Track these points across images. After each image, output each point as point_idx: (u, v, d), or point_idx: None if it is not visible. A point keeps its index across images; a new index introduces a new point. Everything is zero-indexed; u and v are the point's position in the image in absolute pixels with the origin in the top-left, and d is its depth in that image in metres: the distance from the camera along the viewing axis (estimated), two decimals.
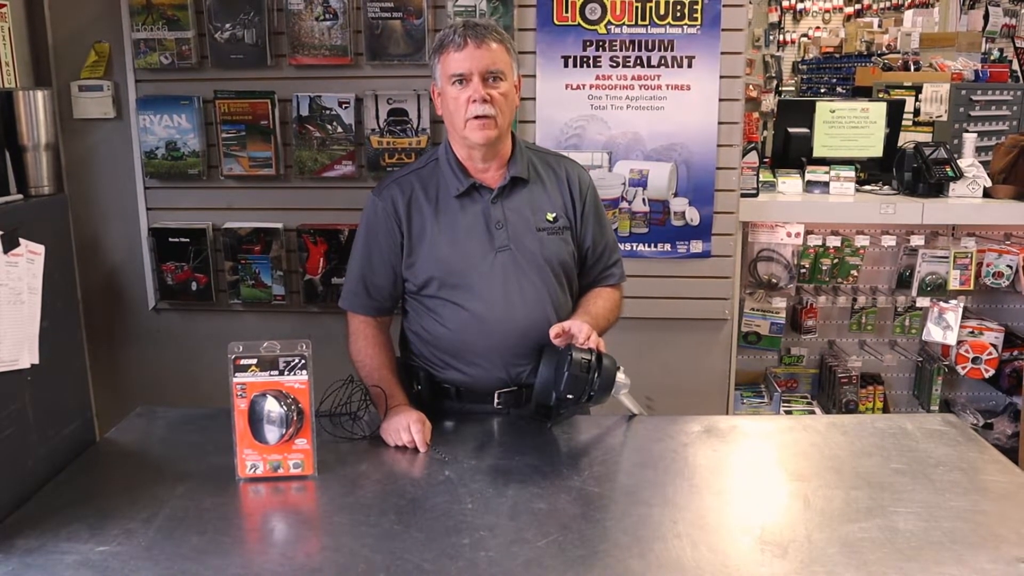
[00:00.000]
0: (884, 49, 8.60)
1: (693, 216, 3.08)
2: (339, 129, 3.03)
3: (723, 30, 2.96)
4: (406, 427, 1.85)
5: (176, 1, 2.96)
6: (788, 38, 12.04)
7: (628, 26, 2.97)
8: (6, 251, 1.60)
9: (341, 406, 1.94)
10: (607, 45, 2.99)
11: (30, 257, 1.66)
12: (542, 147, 2.22)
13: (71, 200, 2.81)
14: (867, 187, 3.50)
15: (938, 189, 3.32)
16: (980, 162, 3.39)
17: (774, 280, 3.34)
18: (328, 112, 3.02)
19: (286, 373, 1.69)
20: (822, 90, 9.50)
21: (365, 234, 2.05)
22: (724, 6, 2.94)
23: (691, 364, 3.19)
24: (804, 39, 11.84)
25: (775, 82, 10.82)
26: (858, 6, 11.38)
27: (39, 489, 1.68)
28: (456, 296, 1.99)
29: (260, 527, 1.62)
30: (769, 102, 8.44)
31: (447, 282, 1.99)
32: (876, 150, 3.59)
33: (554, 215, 2.04)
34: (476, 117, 1.90)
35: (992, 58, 6.93)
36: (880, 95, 5.50)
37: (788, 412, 3.35)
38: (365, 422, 1.94)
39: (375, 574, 1.39)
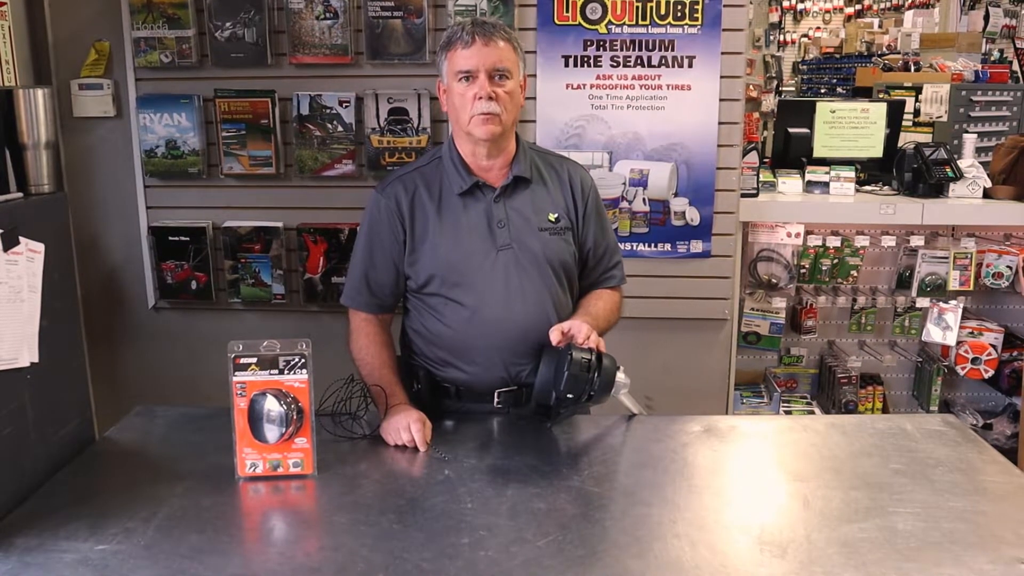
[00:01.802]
0: (884, 49, 8.60)
1: (693, 216, 3.08)
2: (339, 128, 3.03)
3: (724, 30, 2.95)
4: (406, 427, 1.85)
5: (176, 0, 2.97)
6: (788, 38, 12.03)
7: (629, 26, 2.97)
8: (6, 249, 1.60)
9: (341, 405, 1.94)
10: (608, 45, 2.99)
11: (30, 255, 1.66)
12: (545, 148, 2.23)
13: (71, 198, 2.81)
14: (867, 187, 3.50)
15: (938, 190, 3.32)
16: (980, 163, 3.39)
17: (774, 280, 3.34)
18: (328, 111, 3.02)
19: (286, 372, 1.69)
20: (822, 90, 9.51)
21: (368, 231, 2.05)
22: (725, 6, 2.94)
23: (691, 364, 3.19)
24: (804, 39, 11.84)
25: (775, 82, 10.81)
26: (858, 6, 11.37)
27: (38, 488, 1.68)
28: (457, 294, 1.99)
29: (259, 526, 1.62)
30: (769, 102, 8.43)
31: (448, 280, 1.99)
32: (876, 150, 3.59)
33: (556, 215, 2.04)
34: (481, 113, 1.91)
35: (992, 59, 6.93)
36: (880, 95, 5.50)
37: (788, 412, 3.36)
38: (365, 421, 1.93)
39: (374, 573, 1.39)
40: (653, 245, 3.11)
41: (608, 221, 2.17)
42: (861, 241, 3.29)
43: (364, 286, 2.06)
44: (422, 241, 2.00)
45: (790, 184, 3.42)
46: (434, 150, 2.12)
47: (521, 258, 1.99)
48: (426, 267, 2.00)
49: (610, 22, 2.97)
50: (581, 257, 2.11)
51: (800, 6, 12.12)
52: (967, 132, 4.12)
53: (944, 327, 3.29)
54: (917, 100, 5.20)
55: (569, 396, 1.81)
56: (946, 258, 3.26)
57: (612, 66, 3.00)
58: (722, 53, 2.97)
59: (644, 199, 3.07)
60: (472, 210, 2.00)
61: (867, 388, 3.43)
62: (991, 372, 3.32)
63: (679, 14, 2.95)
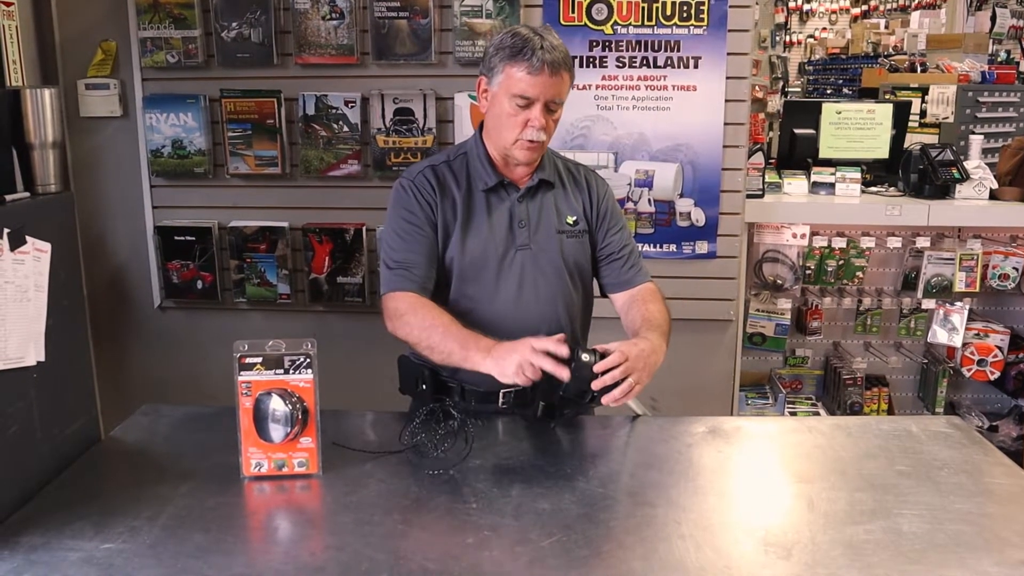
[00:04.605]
0: (890, 50, 8.58)
1: (699, 217, 3.07)
2: (345, 128, 3.03)
3: (729, 31, 2.95)
4: (527, 363, 1.75)
5: (183, 0, 2.97)
6: (794, 39, 12.02)
7: (634, 26, 2.97)
8: (13, 249, 1.60)
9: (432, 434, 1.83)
10: (613, 45, 2.99)
11: (36, 255, 1.67)
12: (563, 155, 2.23)
13: (77, 198, 2.80)
14: (873, 188, 3.49)
15: (944, 191, 3.31)
16: (986, 164, 3.39)
17: (779, 281, 3.34)
18: (334, 111, 3.02)
19: (291, 372, 1.69)
20: (828, 91, 9.51)
21: (401, 214, 1.99)
22: (730, 7, 2.94)
23: (696, 365, 3.19)
24: (810, 40, 11.82)
25: (781, 83, 10.80)
26: (864, 7, 11.36)
27: (44, 487, 1.68)
28: (470, 290, 2.00)
29: (264, 526, 1.62)
30: (775, 103, 8.42)
31: (464, 274, 1.99)
32: (882, 151, 3.58)
33: (574, 218, 2.06)
34: (529, 140, 1.91)
35: (999, 60, 6.91)
36: (886, 96, 5.50)
37: (793, 413, 3.35)
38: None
39: (378, 573, 1.39)
40: (658, 246, 3.11)
41: (627, 225, 2.17)
42: (867, 242, 3.28)
43: (404, 269, 1.97)
44: (446, 231, 2.00)
45: (796, 185, 3.42)
46: (458, 146, 2.11)
47: (539, 259, 2.01)
48: (446, 258, 1.99)
49: (616, 23, 2.97)
50: (596, 257, 2.12)
51: (806, 7, 12.10)
52: (973, 133, 4.12)
53: (950, 329, 3.28)
54: (923, 101, 5.20)
55: (574, 397, 1.81)
56: (952, 259, 3.25)
57: (618, 67, 3.00)
58: (728, 54, 2.97)
59: (649, 200, 3.07)
60: (496, 208, 2.01)
61: (872, 389, 3.42)
62: (997, 374, 3.31)
63: (685, 15, 2.95)
